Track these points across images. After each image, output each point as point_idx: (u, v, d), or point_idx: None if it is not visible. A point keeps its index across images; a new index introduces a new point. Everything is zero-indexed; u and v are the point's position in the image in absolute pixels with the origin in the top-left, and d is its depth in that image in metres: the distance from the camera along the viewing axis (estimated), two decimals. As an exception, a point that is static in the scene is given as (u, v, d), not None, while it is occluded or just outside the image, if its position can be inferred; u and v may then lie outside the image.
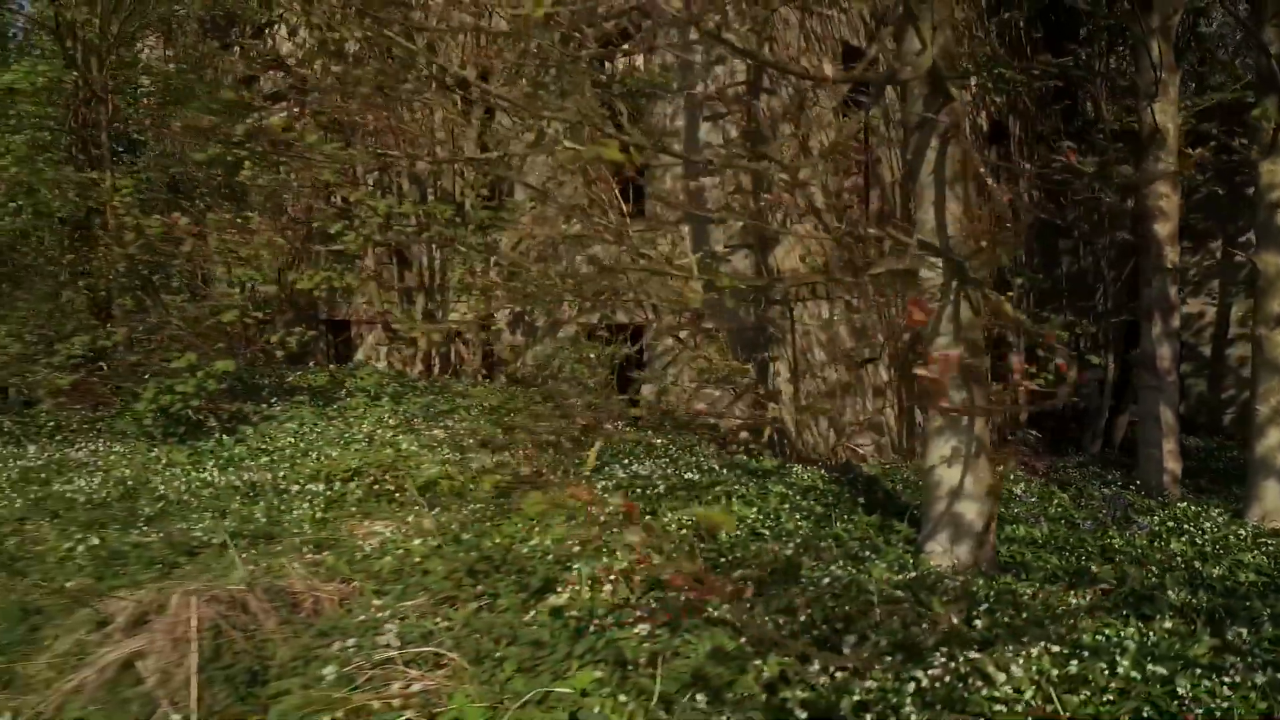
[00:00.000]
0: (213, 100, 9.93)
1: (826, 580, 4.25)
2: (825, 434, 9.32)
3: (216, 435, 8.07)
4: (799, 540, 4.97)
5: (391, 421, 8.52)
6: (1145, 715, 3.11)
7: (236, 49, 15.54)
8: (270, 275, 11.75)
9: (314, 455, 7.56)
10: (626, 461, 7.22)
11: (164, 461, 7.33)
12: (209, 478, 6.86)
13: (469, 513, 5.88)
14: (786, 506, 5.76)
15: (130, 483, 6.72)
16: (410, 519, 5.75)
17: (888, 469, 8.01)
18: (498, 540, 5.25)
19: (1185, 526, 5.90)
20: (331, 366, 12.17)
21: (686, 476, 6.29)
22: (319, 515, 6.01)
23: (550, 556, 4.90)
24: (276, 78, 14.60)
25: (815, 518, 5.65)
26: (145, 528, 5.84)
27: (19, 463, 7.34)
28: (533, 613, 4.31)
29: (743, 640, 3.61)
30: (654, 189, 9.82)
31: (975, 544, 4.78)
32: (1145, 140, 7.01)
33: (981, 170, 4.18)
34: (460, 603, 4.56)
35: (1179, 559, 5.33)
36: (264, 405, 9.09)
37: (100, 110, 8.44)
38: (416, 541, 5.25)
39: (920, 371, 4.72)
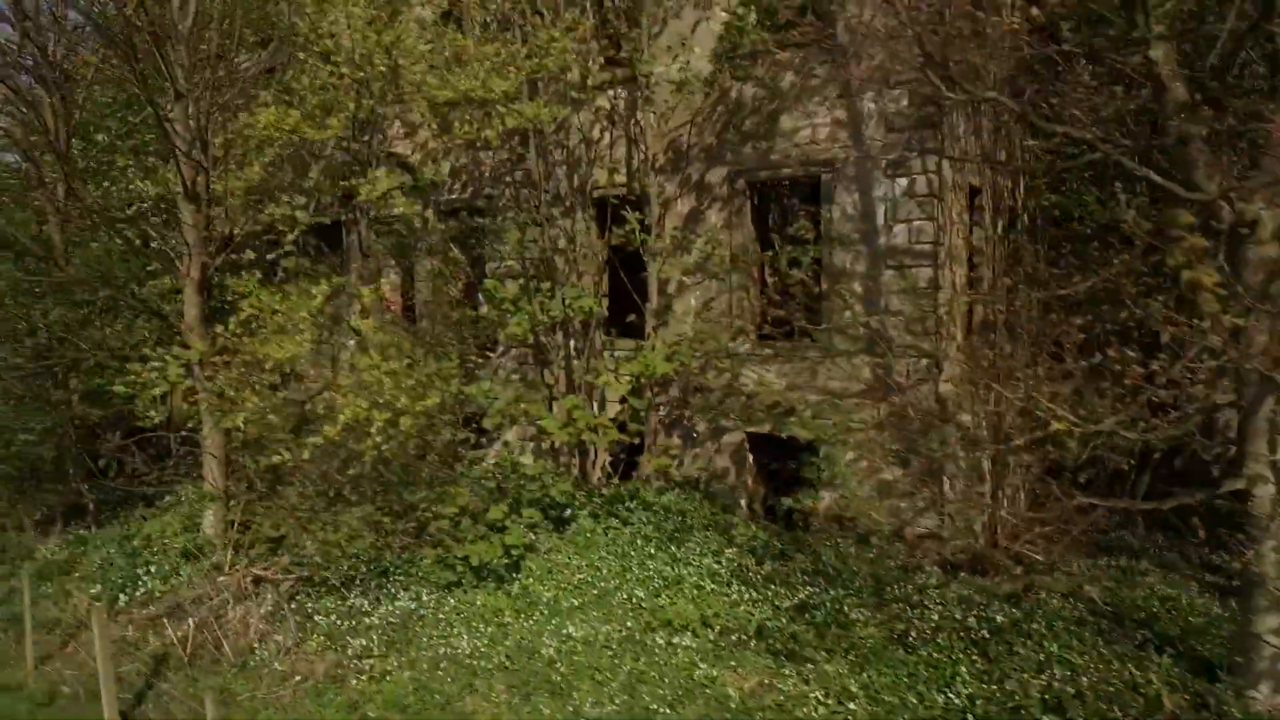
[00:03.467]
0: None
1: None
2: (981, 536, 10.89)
3: (511, 575, 8.87)
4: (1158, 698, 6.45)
5: (650, 549, 9.48)
6: None
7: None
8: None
9: (623, 595, 8.50)
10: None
11: (507, 612, 8.15)
12: (572, 631, 7.73)
13: (850, 660, 7.03)
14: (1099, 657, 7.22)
15: (508, 641, 7.56)
16: (814, 670, 6.88)
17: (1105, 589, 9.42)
18: (911, 697, 6.49)
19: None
20: (494, 467, 12.90)
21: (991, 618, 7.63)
22: (712, 673, 7.04)
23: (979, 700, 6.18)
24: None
25: (1127, 658, 7.13)
26: (577, 699, 6.74)
27: (368, 619, 7.99)
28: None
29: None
30: (835, 320, 11.15)
31: (1291, 692, 6.37)
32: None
33: None
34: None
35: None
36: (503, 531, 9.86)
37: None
38: (851, 705, 6.43)
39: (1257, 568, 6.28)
